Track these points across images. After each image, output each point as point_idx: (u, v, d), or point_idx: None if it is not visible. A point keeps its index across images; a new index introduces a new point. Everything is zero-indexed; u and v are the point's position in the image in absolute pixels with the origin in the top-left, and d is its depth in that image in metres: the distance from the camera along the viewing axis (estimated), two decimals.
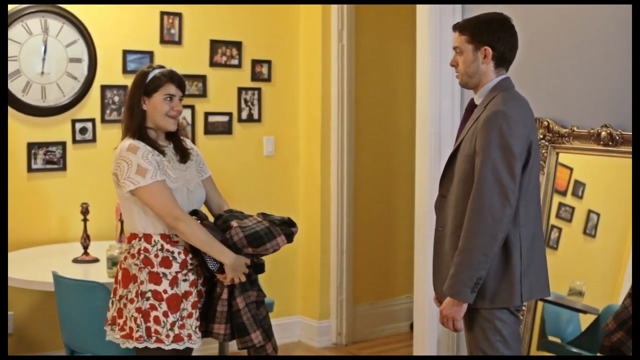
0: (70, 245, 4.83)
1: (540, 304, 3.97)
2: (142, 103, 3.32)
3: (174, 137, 3.43)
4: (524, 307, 3.99)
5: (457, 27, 3.23)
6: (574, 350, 3.79)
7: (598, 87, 3.81)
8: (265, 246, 3.33)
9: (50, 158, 4.96)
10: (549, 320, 3.95)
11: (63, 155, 5.00)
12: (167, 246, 3.29)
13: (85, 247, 4.46)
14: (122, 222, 4.39)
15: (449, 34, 4.41)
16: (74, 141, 5.03)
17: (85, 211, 4.50)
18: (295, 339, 5.88)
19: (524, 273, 3.07)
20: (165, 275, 3.27)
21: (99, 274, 4.11)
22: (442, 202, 3.25)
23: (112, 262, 3.98)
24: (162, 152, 3.32)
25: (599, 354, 3.66)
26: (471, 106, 3.26)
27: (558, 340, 3.91)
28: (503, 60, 3.17)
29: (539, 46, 4.04)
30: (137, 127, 3.30)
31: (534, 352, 3.99)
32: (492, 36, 3.13)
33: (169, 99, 3.32)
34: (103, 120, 5.11)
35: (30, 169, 4.90)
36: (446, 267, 3.15)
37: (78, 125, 5.04)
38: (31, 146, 4.89)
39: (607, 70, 3.77)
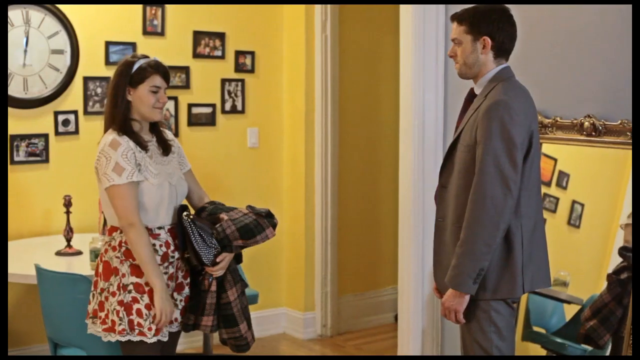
0: (53, 238, 4.80)
1: (525, 294, 3.98)
2: (127, 94, 3.28)
3: (155, 129, 3.40)
4: None
5: (456, 18, 3.19)
6: (559, 340, 3.80)
7: (581, 78, 3.81)
8: (256, 238, 3.33)
9: (32, 150, 4.92)
10: (533, 310, 3.96)
11: (45, 148, 4.96)
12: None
13: (69, 240, 4.44)
14: None
15: (432, 32, 4.42)
16: (57, 133, 5.00)
17: (68, 203, 4.48)
18: (280, 330, 5.87)
19: (525, 264, 3.06)
20: None
21: (82, 266, 4.09)
22: (442, 193, 3.23)
23: (95, 254, 3.96)
24: (145, 148, 3.29)
25: (593, 352, 3.68)
26: (470, 95, 3.24)
27: (543, 331, 3.92)
28: (502, 50, 3.15)
29: (522, 37, 4.02)
30: (121, 118, 3.26)
31: (518, 342, 3.99)
32: (491, 26, 3.10)
33: (154, 91, 3.29)
34: (86, 112, 5.08)
35: (12, 161, 4.86)
36: (447, 258, 3.13)
37: (60, 117, 5.00)
38: (13, 138, 4.85)
39: (590, 60, 3.77)
